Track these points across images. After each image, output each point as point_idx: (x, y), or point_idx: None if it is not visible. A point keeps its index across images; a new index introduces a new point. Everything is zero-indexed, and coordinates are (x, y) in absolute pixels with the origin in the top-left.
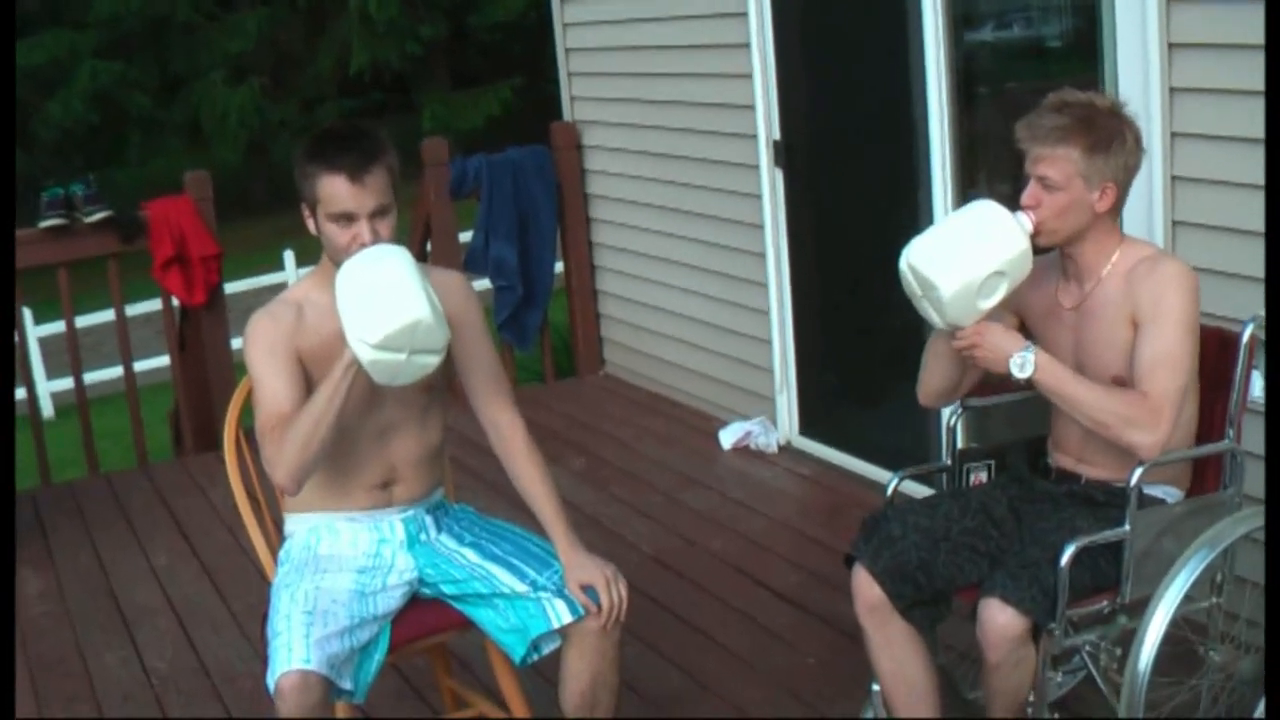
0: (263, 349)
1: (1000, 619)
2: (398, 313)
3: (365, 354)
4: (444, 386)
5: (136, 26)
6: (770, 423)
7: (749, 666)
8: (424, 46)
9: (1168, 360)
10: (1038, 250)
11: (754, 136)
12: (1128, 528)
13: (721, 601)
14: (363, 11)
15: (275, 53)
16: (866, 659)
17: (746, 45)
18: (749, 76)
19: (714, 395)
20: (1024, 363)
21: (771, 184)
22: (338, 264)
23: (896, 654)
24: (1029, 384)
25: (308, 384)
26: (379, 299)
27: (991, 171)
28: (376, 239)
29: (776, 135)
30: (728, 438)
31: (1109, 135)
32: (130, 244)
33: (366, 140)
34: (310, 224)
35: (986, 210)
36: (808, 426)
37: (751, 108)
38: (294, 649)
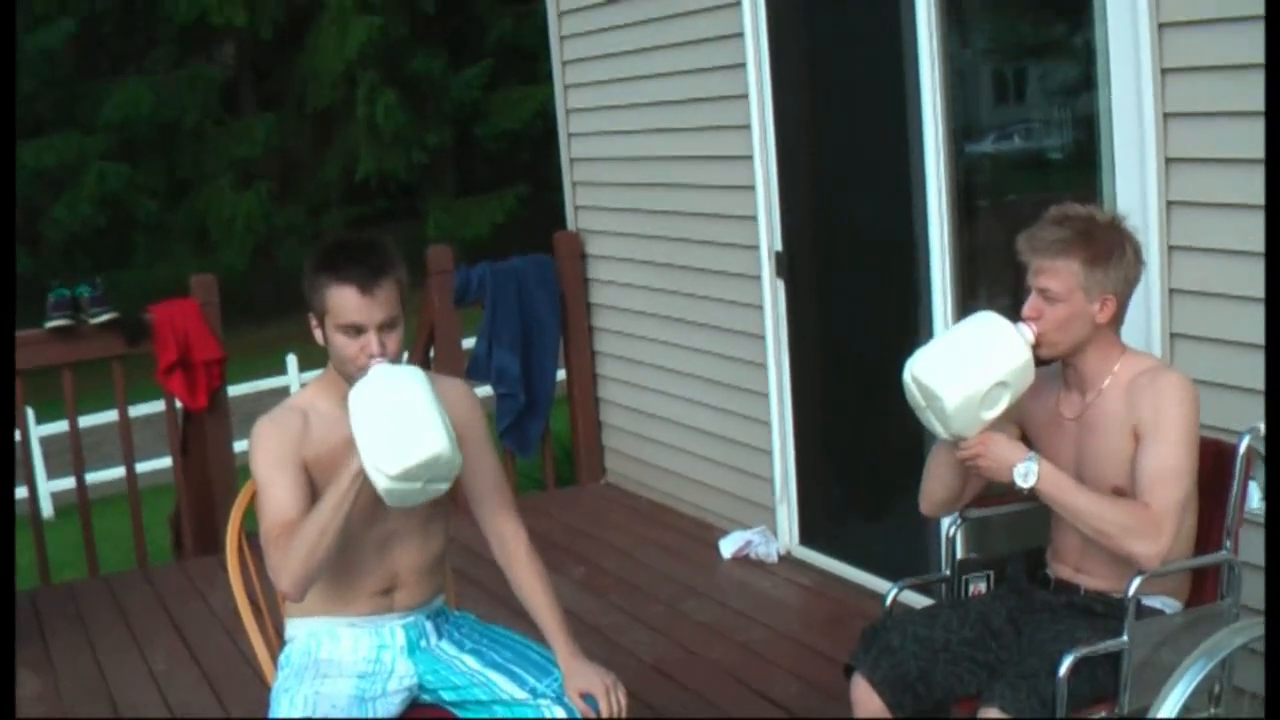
0: (268, 457)
1: None
2: (418, 447)
3: (381, 483)
4: (447, 496)
5: (145, 131)
6: (770, 532)
7: None
8: (430, 155)
9: (1170, 473)
10: (1039, 362)
11: (756, 247)
12: (1125, 638)
13: (721, 711)
14: (370, 120)
15: (283, 159)
16: None
17: (749, 157)
18: (751, 188)
19: (715, 504)
20: (1027, 472)
21: (773, 294)
22: (344, 374)
23: None
24: (1032, 494)
25: (312, 492)
26: (398, 429)
27: (992, 283)
28: (384, 351)
29: (778, 246)
30: (728, 547)
31: (1109, 248)
32: (135, 346)
33: (377, 253)
34: (317, 333)
35: (989, 322)
36: (808, 536)
37: (754, 218)
38: None
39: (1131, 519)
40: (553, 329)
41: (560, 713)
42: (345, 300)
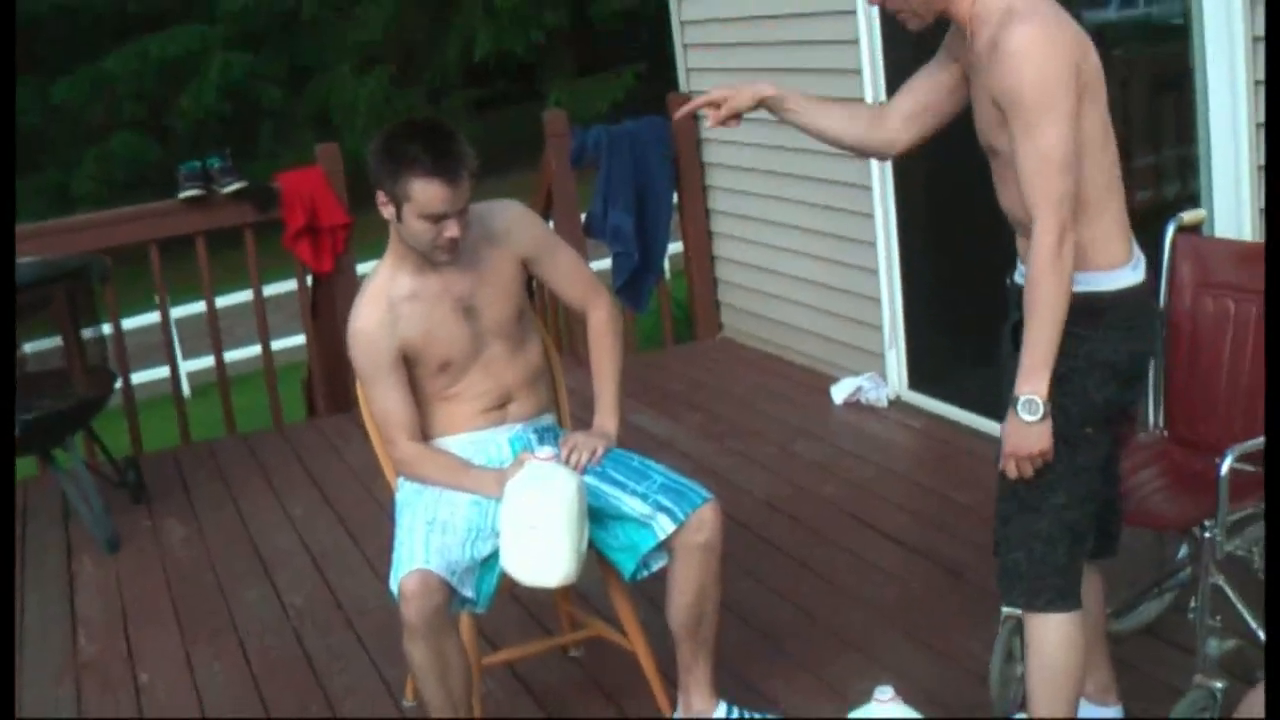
0: (367, 362)
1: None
2: (548, 575)
3: (504, 562)
4: (530, 308)
5: (264, 20)
6: (880, 378)
7: (853, 598)
8: (547, 34)
9: (1037, 172)
10: (916, 32)
11: (860, 100)
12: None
13: (830, 542)
14: (486, 2)
15: (402, 43)
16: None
17: (852, 12)
18: (855, 42)
19: (827, 353)
20: (1032, 406)
21: None
22: (420, 249)
23: None
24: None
25: (409, 370)
26: (537, 549)
27: None
28: (463, 230)
29: (883, 97)
30: (839, 393)
31: None
32: (265, 213)
33: (456, 145)
34: (386, 210)
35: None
36: (916, 381)
37: (858, 72)
38: (415, 554)
39: (1047, 270)
40: (667, 189)
41: (664, 519)
42: (431, 193)
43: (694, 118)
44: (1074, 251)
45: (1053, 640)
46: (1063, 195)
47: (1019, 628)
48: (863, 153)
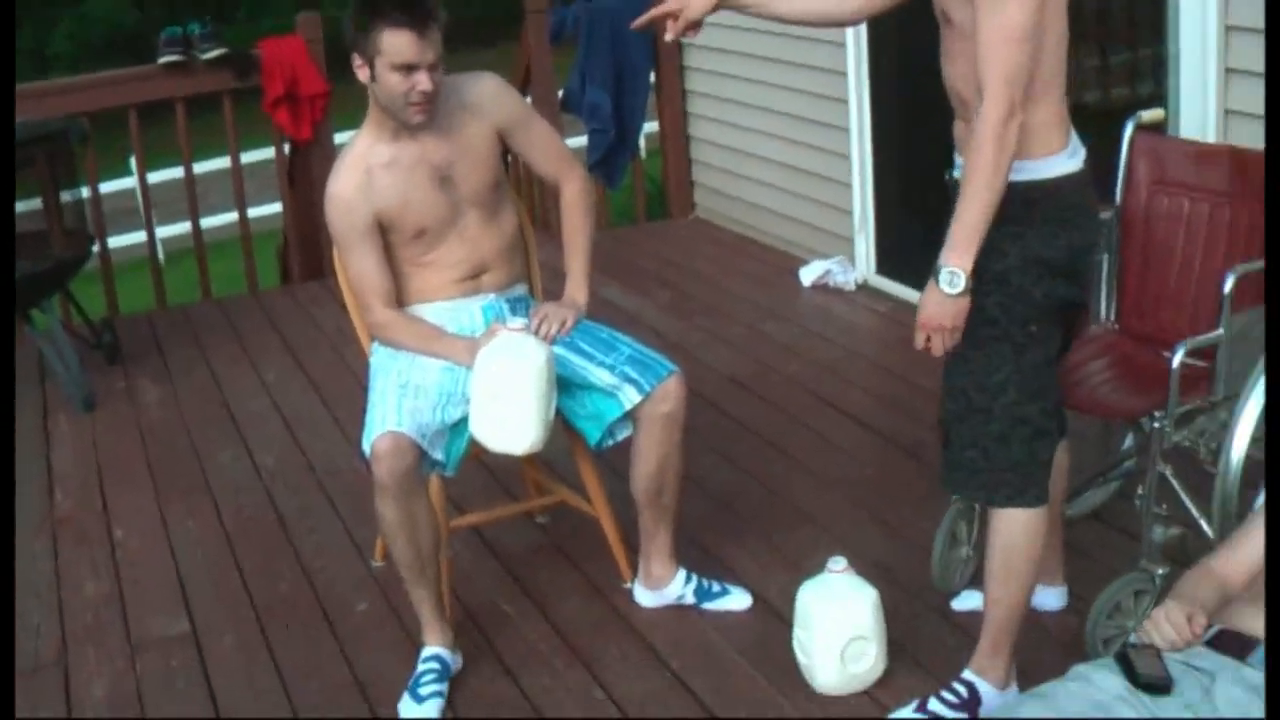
0: (343, 230)
1: None
2: (516, 442)
3: (473, 429)
4: (506, 179)
5: None
6: (849, 262)
7: (813, 475)
8: None
9: (998, 45)
10: None
11: None
12: (1221, 331)
13: (793, 419)
14: None
15: None
16: (935, 474)
17: None
18: None
19: (797, 236)
20: (953, 279)
21: (855, 31)
22: (393, 111)
23: None
24: (971, 278)
25: (384, 236)
26: (505, 417)
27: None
28: (434, 85)
29: (865, 57)
30: (808, 276)
31: None
32: (244, 81)
33: None
34: (362, 73)
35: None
36: (884, 266)
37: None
38: (387, 416)
39: (989, 144)
40: (644, 68)
41: (630, 390)
42: (400, 42)
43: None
44: (1017, 133)
45: (1015, 532)
46: (1017, 73)
47: (965, 513)
48: (832, 26)
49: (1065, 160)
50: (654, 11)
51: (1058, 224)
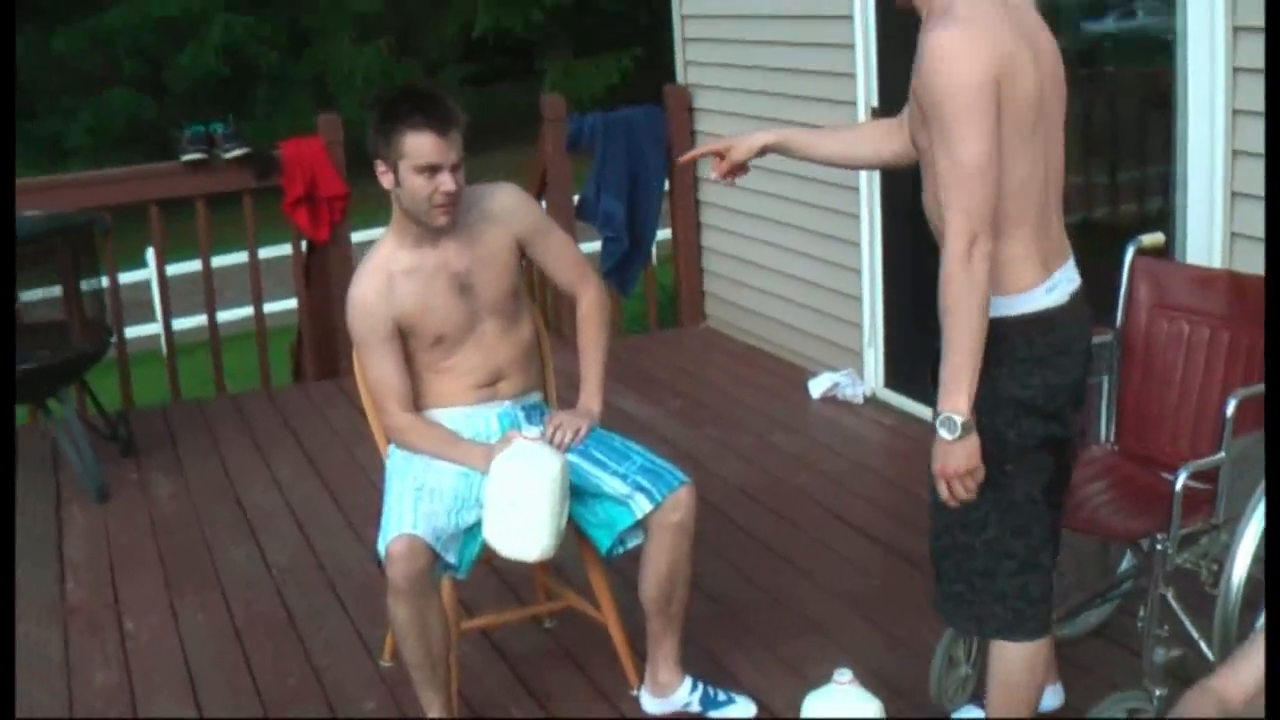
0: (364, 333)
1: None
2: (528, 551)
3: (486, 535)
4: (524, 288)
5: None
6: (857, 375)
7: (819, 585)
8: (547, 14)
9: (950, 178)
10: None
11: (854, 104)
12: (1223, 454)
13: (800, 530)
14: None
15: (402, 14)
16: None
17: (849, 17)
18: (851, 46)
19: (806, 348)
20: (951, 424)
21: None
22: (416, 214)
23: None
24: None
25: (404, 339)
26: (520, 524)
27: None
28: (458, 187)
29: (874, 102)
30: (817, 388)
31: None
32: (265, 180)
33: (444, 101)
34: (386, 179)
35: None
36: (893, 379)
37: (852, 75)
38: (403, 518)
39: (956, 280)
40: (659, 178)
41: (641, 499)
42: (423, 144)
43: (688, 110)
44: (988, 265)
45: (1013, 665)
46: (975, 204)
47: (962, 634)
48: (879, 168)
49: (1041, 296)
50: (700, 149)
51: (1032, 362)
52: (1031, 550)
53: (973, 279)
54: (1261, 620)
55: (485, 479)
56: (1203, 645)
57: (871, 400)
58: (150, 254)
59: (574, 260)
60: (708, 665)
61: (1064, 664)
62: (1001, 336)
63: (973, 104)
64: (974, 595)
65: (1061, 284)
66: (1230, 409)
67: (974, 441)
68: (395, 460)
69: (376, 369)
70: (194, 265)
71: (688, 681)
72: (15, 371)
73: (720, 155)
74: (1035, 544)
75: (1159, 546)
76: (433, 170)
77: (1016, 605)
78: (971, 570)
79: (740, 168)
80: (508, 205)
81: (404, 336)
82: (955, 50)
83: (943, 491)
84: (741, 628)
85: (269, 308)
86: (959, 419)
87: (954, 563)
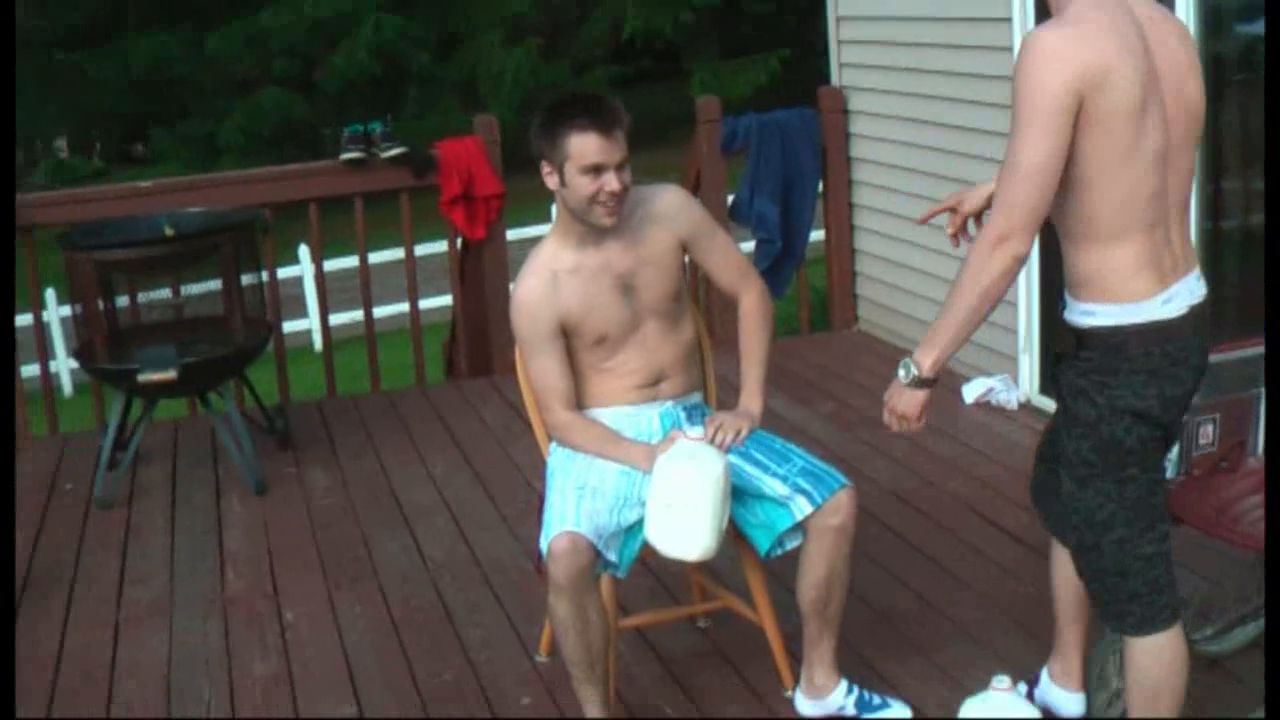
0: (528, 327)
1: None
2: (689, 548)
3: (648, 534)
4: (686, 289)
5: None
6: (1012, 380)
7: (972, 591)
8: (696, 15)
9: (1005, 174)
10: None
11: (1010, 107)
12: None
13: (953, 535)
14: None
15: (552, 16)
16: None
17: (1008, 19)
18: (1009, 50)
19: (960, 353)
20: (907, 369)
21: None
22: (581, 214)
23: None
24: (933, 377)
25: (567, 340)
26: (682, 524)
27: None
28: (623, 187)
29: None
30: (971, 393)
31: None
32: (422, 179)
33: (610, 103)
34: (551, 180)
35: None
36: (1048, 386)
37: (1010, 79)
38: (566, 516)
39: (973, 261)
40: (812, 180)
41: (802, 500)
42: (588, 145)
43: (842, 112)
44: (1011, 265)
45: (1149, 666)
46: (1019, 205)
47: (1112, 645)
48: None
49: (1157, 307)
50: (936, 208)
51: (1148, 373)
52: (1158, 542)
53: (988, 268)
54: None
55: (647, 478)
56: None
57: (1026, 406)
58: (303, 250)
59: (737, 262)
60: (860, 668)
61: (1218, 673)
62: (1121, 344)
63: (1045, 109)
64: (1108, 595)
65: (1180, 296)
66: None
67: (922, 395)
68: (558, 459)
69: (539, 368)
70: (345, 262)
71: (843, 684)
72: (180, 365)
73: (953, 210)
74: (1159, 536)
75: None
76: (598, 170)
77: (1150, 598)
78: (1102, 570)
79: (976, 217)
80: (672, 206)
81: (566, 336)
82: (1044, 53)
83: (884, 416)
84: (894, 632)
85: (424, 304)
86: (916, 372)
87: (1086, 563)
